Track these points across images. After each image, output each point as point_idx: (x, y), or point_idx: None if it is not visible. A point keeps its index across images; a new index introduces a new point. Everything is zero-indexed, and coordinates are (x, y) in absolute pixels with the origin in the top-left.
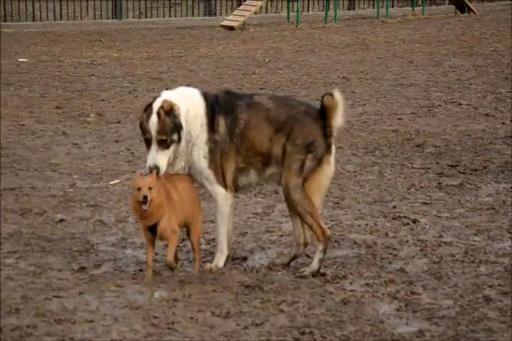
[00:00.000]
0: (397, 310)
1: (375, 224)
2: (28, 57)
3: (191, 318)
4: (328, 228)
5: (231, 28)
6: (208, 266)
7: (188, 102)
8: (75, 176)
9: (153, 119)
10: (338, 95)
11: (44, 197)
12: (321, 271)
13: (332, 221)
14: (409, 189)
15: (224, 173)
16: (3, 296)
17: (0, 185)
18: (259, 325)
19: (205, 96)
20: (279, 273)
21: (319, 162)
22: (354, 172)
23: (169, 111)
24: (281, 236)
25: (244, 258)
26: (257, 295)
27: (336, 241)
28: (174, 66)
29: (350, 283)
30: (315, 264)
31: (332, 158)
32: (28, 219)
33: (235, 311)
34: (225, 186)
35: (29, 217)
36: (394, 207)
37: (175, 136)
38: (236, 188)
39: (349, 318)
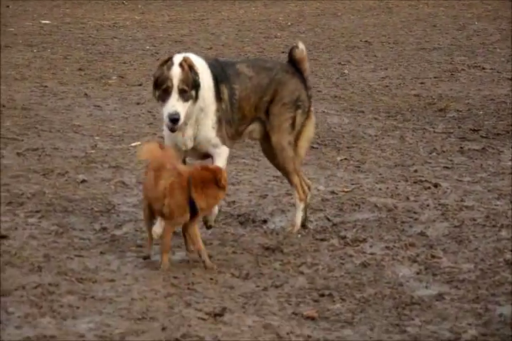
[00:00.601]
0: (417, 274)
1: (396, 188)
2: (51, 19)
3: (211, 279)
4: (349, 191)
5: None
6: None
7: (200, 71)
8: (96, 138)
9: (176, 69)
10: (303, 46)
11: (66, 158)
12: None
13: (353, 184)
14: (430, 153)
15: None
16: (26, 255)
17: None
18: (278, 286)
19: (209, 65)
20: (299, 235)
21: (307, 115)
22: (375, 136)
23: (191, 67)
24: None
25: (265, 221)
26: (276, 257)
27: (356, 204)
28: (196, 29)
29: (370, 246)
30: (299, 223)
31: (313, 109)
32: (50, 180)
33: (254, 273)
34: (225, 144)
35: (51, 178)
36: (415, 171)
37: (193, 92)
38: None
39: (368, 281)
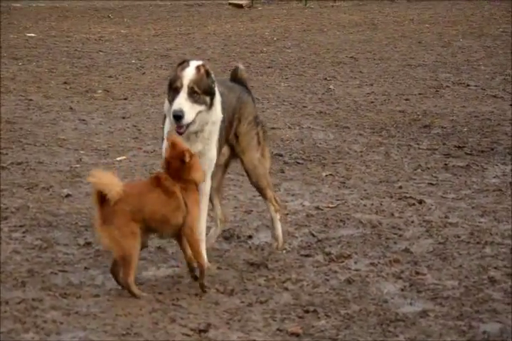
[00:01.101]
0: (402, 290)
1: (381, 204)
2: (37, 32)
3: (196, 295)
4: (334, 207)
5: (239, 6)
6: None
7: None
8: (81, 152)
9: (190, 70)
10: (243, 67)
11: (51, 172)
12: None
13: (338, 200)
14: (415, 169)
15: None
16: (9, 269)
17: (5, 159)
18: (263, 302)
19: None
20: (284, 251)
21: (265, 130)
22: (360, 152)
23: (208, 73)
24: (287, 214)
25: (250, 237)
26: (261, 273)
27: (341, 220)
28: (182, 43)
29: (355, 263)
30: (281, 235)
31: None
32: (34, 194)
33: (239, 289)
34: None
35: (36, 192)
36: (400, 187)
37: (207, 99)
38: None
39: (353, 297)
